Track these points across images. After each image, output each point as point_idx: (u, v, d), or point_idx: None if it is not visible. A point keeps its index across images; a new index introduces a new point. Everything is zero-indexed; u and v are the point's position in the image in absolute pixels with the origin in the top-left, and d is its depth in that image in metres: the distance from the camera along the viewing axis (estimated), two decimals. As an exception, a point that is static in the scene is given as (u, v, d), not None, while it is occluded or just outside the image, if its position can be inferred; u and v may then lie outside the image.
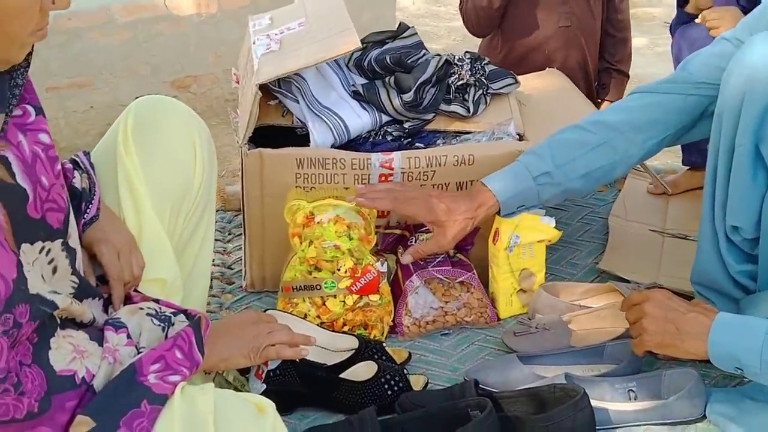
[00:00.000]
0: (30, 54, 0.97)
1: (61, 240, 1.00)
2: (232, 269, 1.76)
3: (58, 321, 0.99)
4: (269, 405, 0.97)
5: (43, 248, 0.97)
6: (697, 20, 1.80)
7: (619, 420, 1.29)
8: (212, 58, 3.72)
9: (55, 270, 0.99)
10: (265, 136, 1.57)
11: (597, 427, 1.25)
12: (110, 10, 3.34)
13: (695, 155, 1.95)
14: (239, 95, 1.70)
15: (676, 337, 1.22)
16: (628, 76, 2.25)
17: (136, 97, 3.55)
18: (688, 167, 2.01)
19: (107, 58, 3.41)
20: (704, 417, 1.30)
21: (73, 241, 1.04)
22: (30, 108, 1.01)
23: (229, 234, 1.88)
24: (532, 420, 1.23)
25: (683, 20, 1.91)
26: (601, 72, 2.20)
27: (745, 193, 1.27)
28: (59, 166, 1.02)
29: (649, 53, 4.94)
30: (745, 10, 1.74)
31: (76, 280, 1.03)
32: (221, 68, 3.75)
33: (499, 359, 1.42)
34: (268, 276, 1.64)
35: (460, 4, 2.13)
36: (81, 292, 1.04)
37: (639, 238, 1.83)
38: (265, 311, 1.45)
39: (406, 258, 1.48)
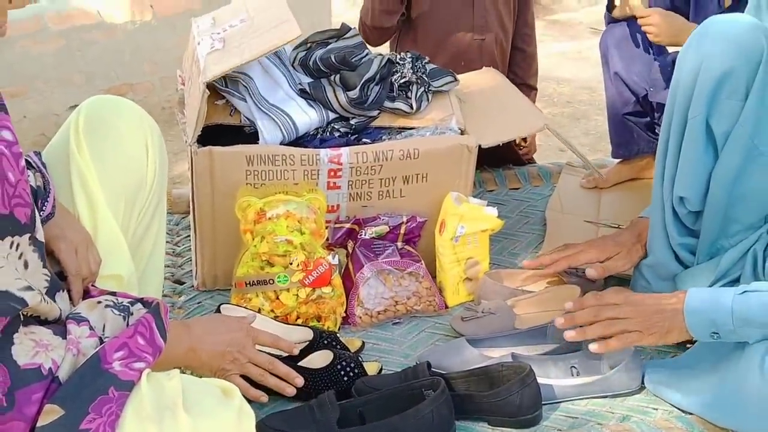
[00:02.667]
0: None
1: (28, 235, 1.01)
2: (182, 269, 1.77)
3: (22, 318, 1.00)
4: (234, 388, 1.00)
5: (12, 243, 0.98)
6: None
7: (563, 395, 1.36)
8: (148, 66, 3.70)
9: (26, 265, 1.00)
10: (212, 137, 1.59)
11: (543, 402, 1.32)
12: (43, 17, 3.29)
13: (622, 149, 2.06)
14: (185, 96, 1.71)
15: (664, 324, 1.26)
16: (537, 90, 2.30)
17: (71, 107, 3.52)
18: (617, 161, 2.12)
19: (40, 67, 3.36)
20: (642, 388, 1.38)
21: (40, 234, 1.05)
22: None
23: (178, 236, 1.90)
24: (483, 396, 1.29)
25: (610, 20, 2.02)
26: None
27: (694, 164, 1.35)
28: (23, 162, 1.03)
29: (578, 58, 5.14)
30: (680, 11, 1.85)
31: (48, 274, 1.05)
32: (158, 76, 3.73)
33: (448, 343, 1.48)
34: (219, 274, 1.66)
35: (359, 25, 2.11)
36: (53, 286, 1.05)
37: (575, 228, 1.93)
38: (219, 306, 1.49)
39: (591, 273, 1.56)
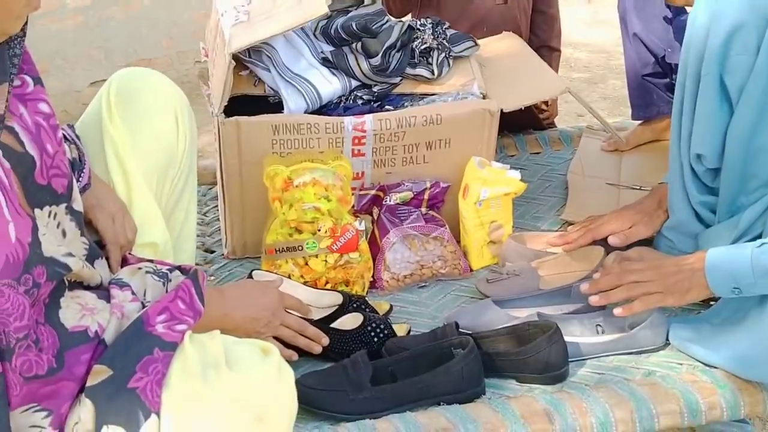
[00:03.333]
0: (25, 24, 1.01)
1: (65, 204, 1.05)
2: (212, 238, 1.81)
3: (66, 283, 1.04)
4: (272, 346, 1.03)
5: (50, 212, 1.02)
6: None
7: (589, 352, 1.39)
8: (165, 41, 3.73)
9: (64, 233, 1.04)
10: (237, 107, 1.62)
11: (569, 359, 1.35)
12: (61, -5, 3.32)
13: (641, 110, 2.07)
14: (210, 68, 1.74)
15: (684, 283, 1.30)
16: (560, 51, 2.29)
17: (92, 83, 3.53)
18: (637, 124, 2.13)
19: (59, 44, 3.39)
20: (666, 345, 1.41)
21: (77, 204, 1.08)
22: (28, 78, 1.05)
23: (206, 206, 1.93)
24: (511, 354, 1.32)
25: None
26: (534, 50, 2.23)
27: (709, 121, 1.36)
28: (60, 134, 1.06)
29: (594, 22, 5.09)
30: None
31: (86, 242, 1.08)
32: (175, 50, 3.76)
33: (475, 304, 1.51)
34: (248, 242, 1.69)
35: None
36: (92, 253, 1.09)
37: (596, 191, 1.94)
38: (251, 271, 1.52)
39: (614, 240, 1.58)
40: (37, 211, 0.99)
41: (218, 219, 1.81)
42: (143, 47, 3.64)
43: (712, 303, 1.44)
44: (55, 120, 1.06)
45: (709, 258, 1.27)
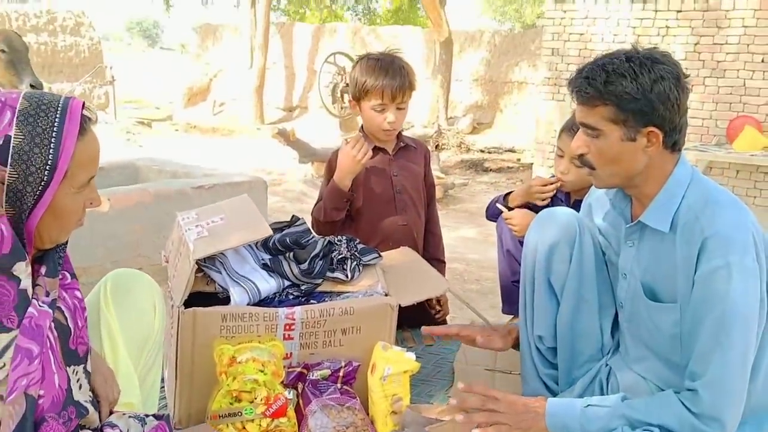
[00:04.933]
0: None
1: (83, 366, 1.43)
2: (159, 412, 2.13)
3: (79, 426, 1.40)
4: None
5: (74, 371, 1.39)
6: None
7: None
8: (102, 251, 4.12)
9: (80, 387, 1.41)
10: (191, 301, 2.04)
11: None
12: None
13: (510, 307, 2.62)
14: (170, 270, 2.18)
15: (528, 422, 1.71)
16: (445, 263, 2.89)
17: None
18: (507, 320, 2.66)
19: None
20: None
21: (89, 367, 1.46)
22: (68, 273, 1.47)
23: (153, 386, 2.27)
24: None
25: (498, 212, 2.65)
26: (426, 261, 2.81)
27: (543, 311, 1.89)
28: (86, 314, 1.46)
29: (484, 241, 5.84)
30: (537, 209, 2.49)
31: (92, 395, 1.45)
32: (109, 260, 4.15)
33: (380, 457, 1.89)
34: (193, 413, 2.04)
35: (312, 222, 2.64)
36: (94, 404, 1.45)
37: (477, 375, 2.42)
38: (200, 432, 1.87)
39: (480, 341, 2.05)
40: (68, 368, 1.37)
41: (164, 396, 2.15)
42: (80, 256, 4.01)
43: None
44: (84, 303, 1.47)
45: (549, 406, 1.73)
